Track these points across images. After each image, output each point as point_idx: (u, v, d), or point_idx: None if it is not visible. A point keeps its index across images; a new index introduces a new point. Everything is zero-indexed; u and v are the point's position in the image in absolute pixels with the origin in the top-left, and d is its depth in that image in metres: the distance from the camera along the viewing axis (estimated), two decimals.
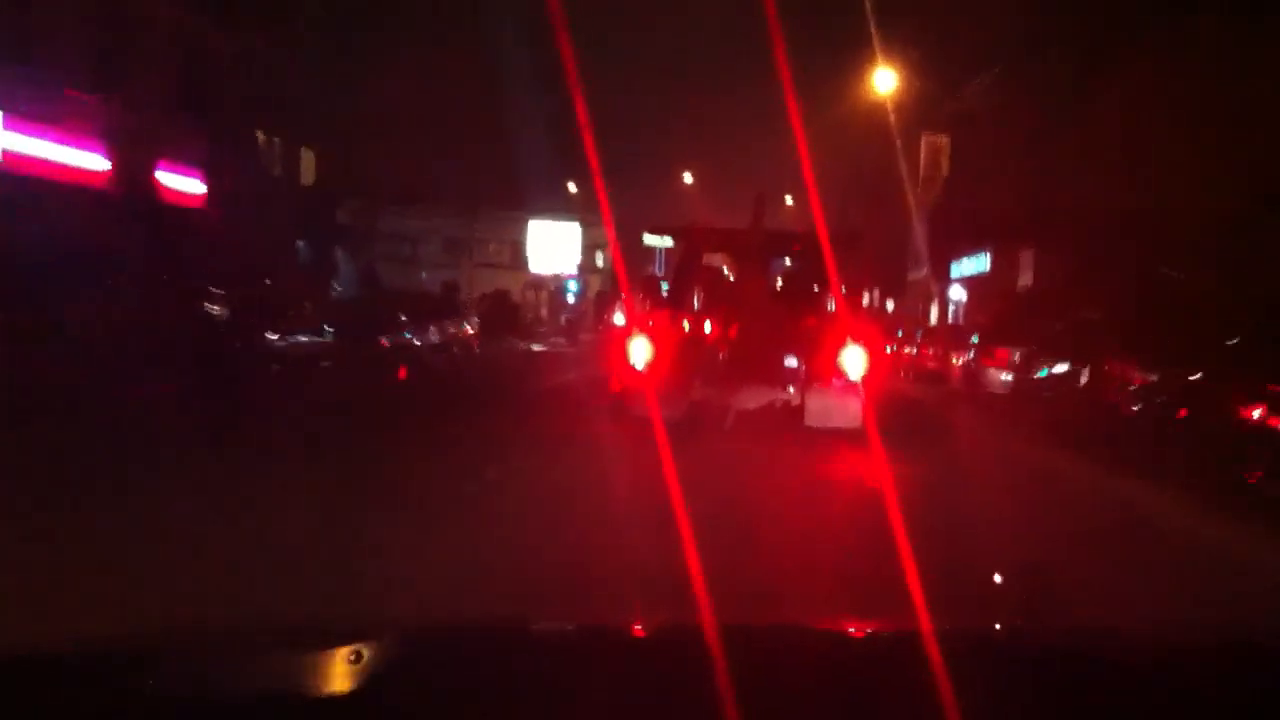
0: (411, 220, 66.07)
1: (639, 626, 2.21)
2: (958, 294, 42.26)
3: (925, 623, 2.08)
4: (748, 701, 1.45)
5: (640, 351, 11.66)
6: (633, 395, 11.56)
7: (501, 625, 2.24)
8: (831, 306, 12.93)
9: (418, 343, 26.89)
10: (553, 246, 63.23)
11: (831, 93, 43.52)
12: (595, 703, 1.59)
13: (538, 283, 59.80)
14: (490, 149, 55.53)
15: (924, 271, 48.95)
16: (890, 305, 55.92)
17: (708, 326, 12.90)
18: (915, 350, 29.56)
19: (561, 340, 45.53)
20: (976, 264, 39.32)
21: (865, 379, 11.59)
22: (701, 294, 13.81)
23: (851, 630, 2.28)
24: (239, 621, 3.45)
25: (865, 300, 50.95)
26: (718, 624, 1.79)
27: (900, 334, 32.92)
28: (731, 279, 14.42)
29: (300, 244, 37.69)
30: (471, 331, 33.30)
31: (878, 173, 46.54)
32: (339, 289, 37.08)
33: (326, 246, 39.65)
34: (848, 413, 11.57)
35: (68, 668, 1.68)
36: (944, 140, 29.86)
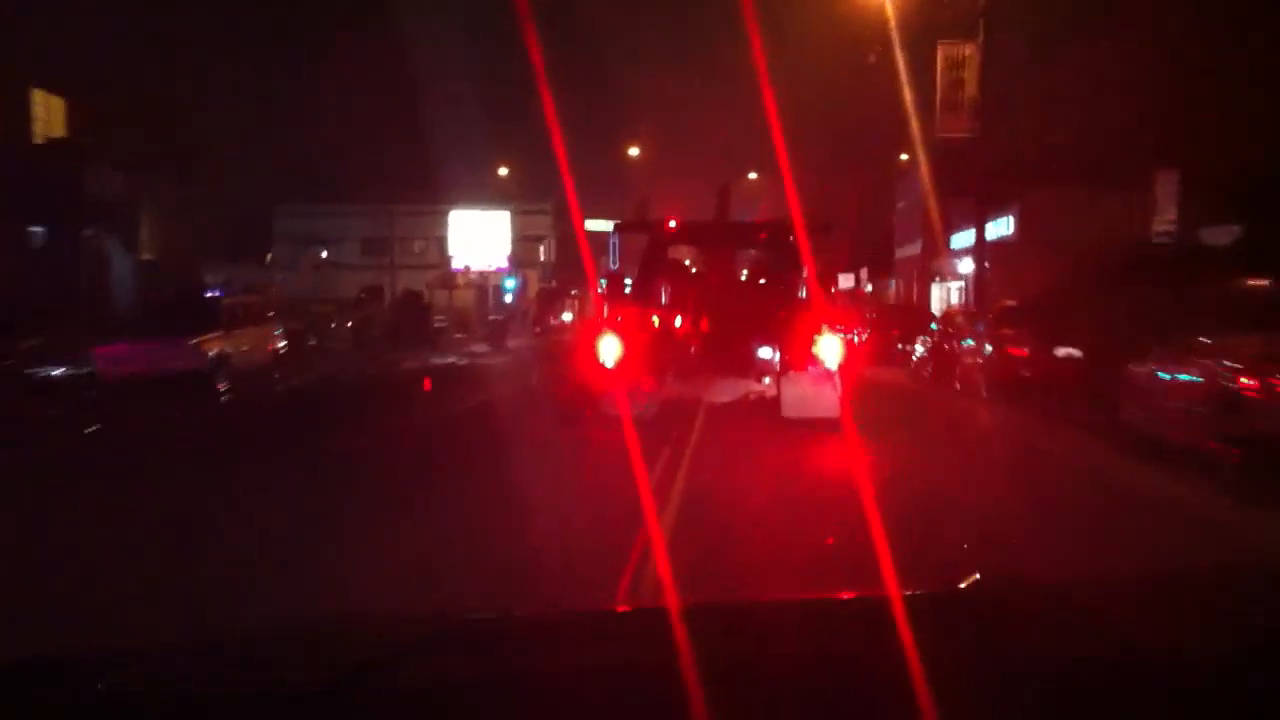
0: (320, 220, 58.38)
1: (618, 608, 2.43)
2: (966, 268, 34.78)
3: (889, 590, 2.04)
4: (720, 677, 1.50)
5: (609, 349, 11.46)
6: (602, 394, 11.39)
7: (480, 616, 2.30)
8: (804, 294, 12.72)
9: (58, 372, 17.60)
10: (480, 239, 55.12)
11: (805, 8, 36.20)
12: (571, 685, 1.61)
13: (447, 280, 51.52)
14: (403, 134, 48.48)
15: (918, 246, 41.65)
16: (868, 287, 48.70)
17: (677, 321, 12.83)
18: (925, 348, 22.21)
19: (483, 348, 37.30)
20: (994, 229, 31.74)
21: (841, 367, 11.52)
22: (669, 288, 13.63)
23: (817, 600, 2.32)
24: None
25: (849, 284, 42.34)
26: (690, 605, 1.83)
27: (873, 316, 29.78)
28: (699, 272, 14.26)
29: (37, 230, 27.83)
30: (279, 345, 22.99)
31: (865, 116, 39.20)
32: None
33: (72, 229, 28.38)
34: (824, 401, 11.43)
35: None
36: (969, 50, 22.05)
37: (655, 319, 12.99)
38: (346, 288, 51.18)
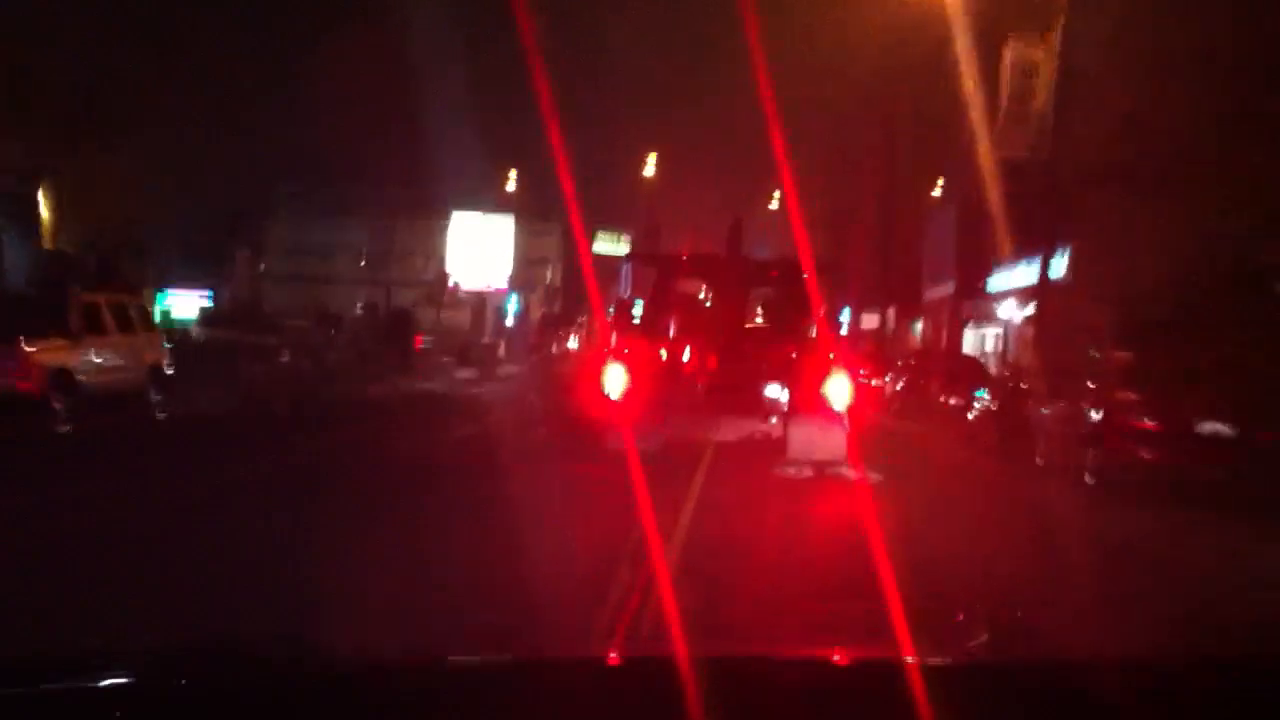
0: (318, 234, 55.49)
1: (614, 657, 2.23)
2: (1008, 311, 31.51)
3: (900, 651, 2.02)
4: None
5: (616, 380, 11.39)
6: (606, 427, 11.18)
7: (475, 658, 2.24)
8: (814, 334, 12.80)
9: None
10: (481, 250, 51.86)
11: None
12: None
13: (434, 295, 48.15)
14: (408, 146, 45.77)
15: (948, 286, 38.42)
16: (885, 326, 45.46)
17: (685, 355, 12.78)
18: (982, 406, 18.13)
19: (470, 374, 33.97)
20: (1031, 271, 28.43)
21: (850, 410, 11.43)
22: (677, 321, 13.39)
23: (824, 659, 2.26)
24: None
25: (874, 324, 38.53)
26: (692, 655, 1.80)
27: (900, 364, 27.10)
28: (709, 306, 14.05)
29: None
30: (163, 361, 17.92)
31: (909, 134, 36.14)
32: None
33: None
34: (831, 445, 11.30)
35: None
36: (1040, 54, 18.74)
37: (663, 352, 12.90)
38: (343, 302, 48.40)
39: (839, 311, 39.28)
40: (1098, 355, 13.87)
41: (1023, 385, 15.78)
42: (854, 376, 12.69)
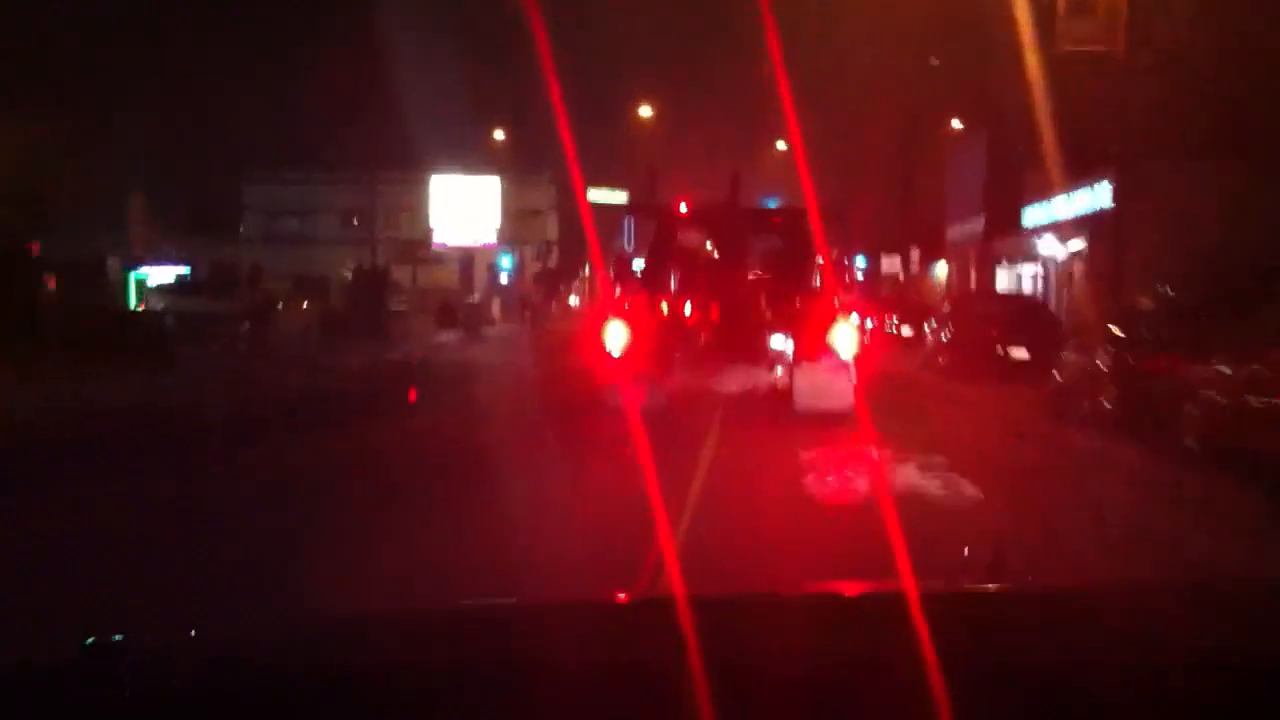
0: (291, 189, 52.34)
1: (621, 598, 2.22)
2: (1049, 248, 28.33)
3: (899, 584, 1.98)
4: (726, 669, 1.50)
5: (617, 337, 11.32)
6: (608, 384, 11.20)
7: (484, 605, 2.33)
8: (818, 282, 12.61)
9: None
10: (466, 209, 48.52)
11: None
12: (570, 678, 1.59)
13: (411, 254, 44.84)
14: (386, 96, 42.50)
15: (976, 224, 35.22)
16: (908, 269, 42.36)
17: (687, 308, 12.58)
18: (1080, 366, 13.26)
19: (453, 337, 30.84)
20: (1079, 201, 25.18)
21: (857, 357, 11.24)
22: (679, 274, 13.37)
23: (824, 592, 2.34)
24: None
25: (894, 268, 35.54)
26: (691, 595, 1.79)
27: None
28: (711, 258, 13.76)
29: None
30: None
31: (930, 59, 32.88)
32: None
33: None
34: (838, 393, 11.05)
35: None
36: None
37: (664, 305, 12.71)
38: (326, 264, 45.40)
39: (850, 257, 37.25)
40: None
41: (1145, 338, 11.85)
42: (861, 323, 12.53)
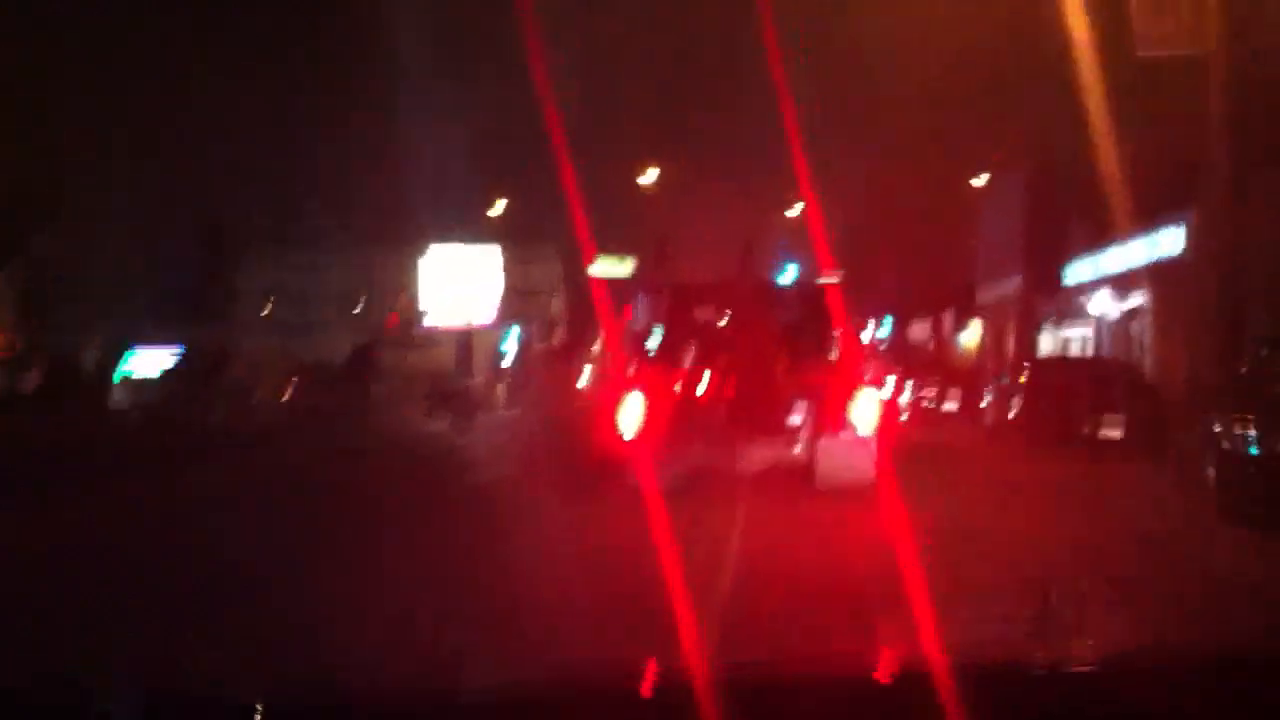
0: (286, 272, 50.08)
1: (645, 687, 2.15)
2: (1101, 305, 25.50)
3: (926, 659, 1.99)
4: None
5: (632, 415, 11.36)
6: (624, 464, 10.88)
7: (496, 686, 2.32)
8: (835, 354, 12.56)
9: None
10: (462, 285, 45.93)
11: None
12: None
13: (400, 334, 42.11)
14: (381, 172, 40.47)
15: (1011, 283, 32.41)
16: (942, 332, 39.48)
17: (702, 385, 12.58)
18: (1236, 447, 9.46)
19: (441, 424, 27.79)
20: (1139, 249, 22.34)
21: (879, 430, 11.20)
22: (694, 349, 13.10)
23: (851, 669, 2.27)
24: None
25: (922, 334, 32.73)
26: (725, 679, 1.83)
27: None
28: (725, 333, 13.55)
29: None
30: None
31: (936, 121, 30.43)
32: None
33: None
34: (859, 466, 10.91)
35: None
36: None
37: (679, 383, 12.52)
38: (321, 350, 42.97)
39: (869, 325, 35.40)
40: None
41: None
42: (894, 394, 13.27)
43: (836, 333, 12.54)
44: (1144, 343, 23.20)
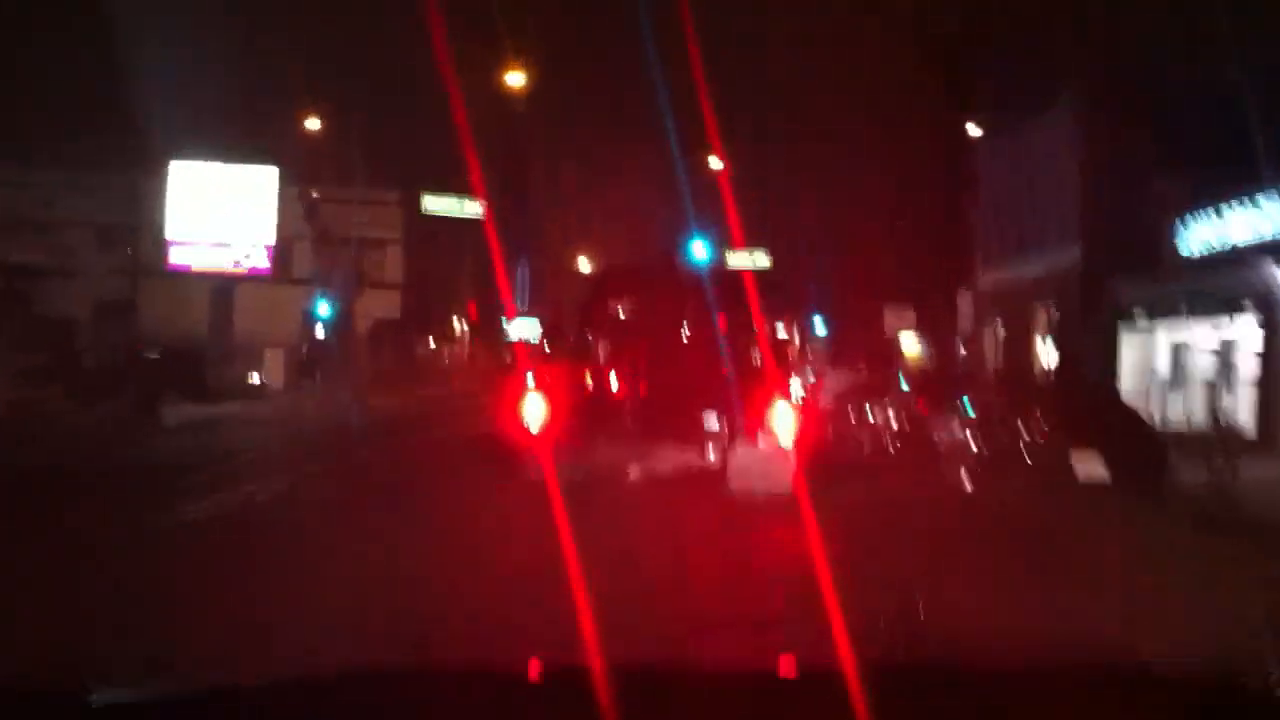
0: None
1: (530, 669, 2.11)
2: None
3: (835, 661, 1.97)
4: None
5: (535, 411, 11.00)
6: (526, 459, 10.80)
7: (394, 667, 2.20)
8: (757, 357, 12.13)
9: None
10: (226, 215, 33.06)
11: None
12: None
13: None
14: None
15: (1044, 260, 21.51)
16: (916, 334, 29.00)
17: (613, 382, 12.38)
18: None
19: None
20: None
21: (797, 438, 10.84)
22: (605, 344, 12.83)
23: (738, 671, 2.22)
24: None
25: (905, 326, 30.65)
26: (613, 669, 1.78)
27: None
28: (639, 326, 13.21)
29: None
30: None
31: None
32: None
33: None
34: (775, 475, 10.55)
35: None
36: None
37: (588, 378, 12.28)
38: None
39: (801, 321, 26.97)
40: None
41: None
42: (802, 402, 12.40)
43: (758, 329, 11.85)
44: None
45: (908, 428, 15.30)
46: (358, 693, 1.89)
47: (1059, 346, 21.16)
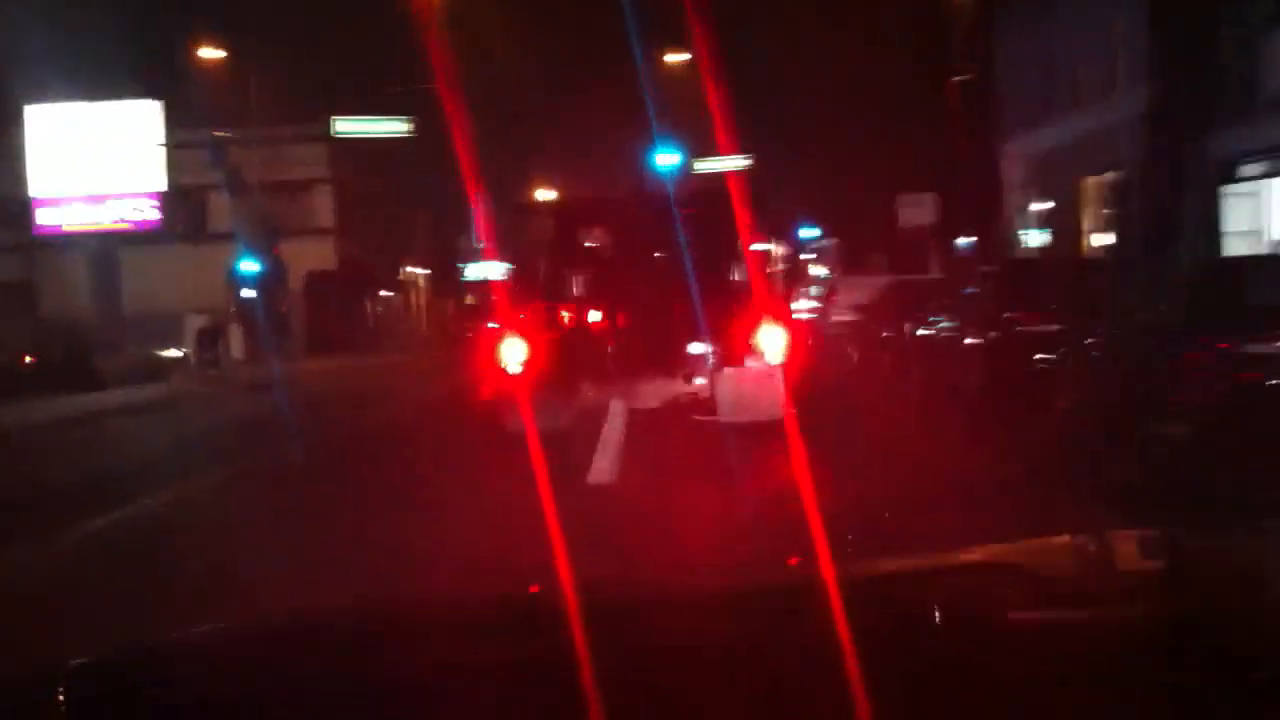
0: None
1: (511, 592, 2.22)
2: None
3: (806, 570, 2.03)
4: (627, 665, 1.50)
5: (514, 353, 10.69)
6: (505, 406, 10.35)
7: (379, 602, 2.32)
8: (740, 276, 11.93)
9: None
10: (102, 163, 28.72)
11: None
12: (457, 679, 1.55)
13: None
14: None
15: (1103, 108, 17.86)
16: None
17: (592, 316, 12.31)
18: None
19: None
20: None
21: (786, 361, 10.60)
22: (579, 277, 12.77)
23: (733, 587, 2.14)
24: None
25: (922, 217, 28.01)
26: (588, 590, 1.75)
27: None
28: (614, 257, 13.01)
29: None
30: None
31: None
32: None
33: None
34: (765, 401, 10.24)
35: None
36: None
37: (565, 315, 12.17)
38: None
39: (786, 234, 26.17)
40: None
41: None
42: (793, 323, 11.96)
43: (742, 244, 11.54)
44: None
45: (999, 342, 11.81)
46: (347, 630, 1.82)
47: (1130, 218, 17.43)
